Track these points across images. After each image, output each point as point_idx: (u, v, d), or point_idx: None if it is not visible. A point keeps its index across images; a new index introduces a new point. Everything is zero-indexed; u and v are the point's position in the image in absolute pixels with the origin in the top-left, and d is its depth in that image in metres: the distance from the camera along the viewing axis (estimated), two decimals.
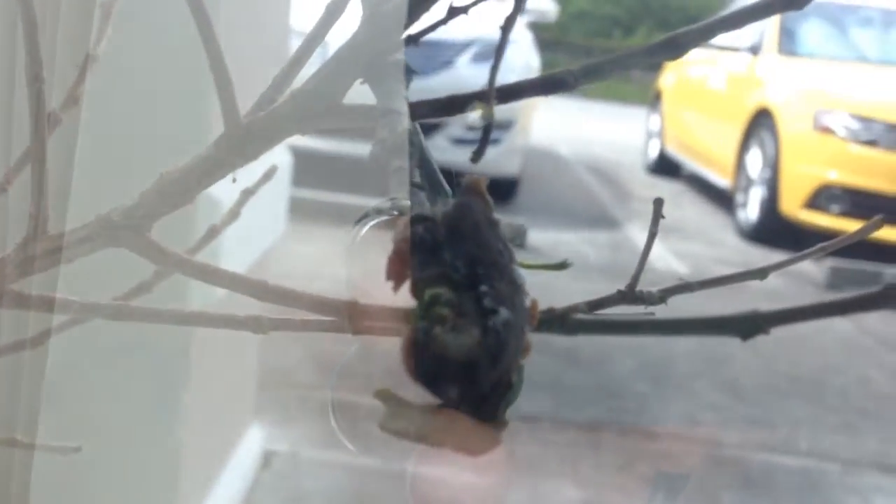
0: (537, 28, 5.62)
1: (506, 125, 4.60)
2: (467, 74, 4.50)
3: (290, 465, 2.03)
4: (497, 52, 0.32)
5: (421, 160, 0.33)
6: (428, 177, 0.34)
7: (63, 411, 0.66)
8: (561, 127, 7.64)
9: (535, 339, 0.30)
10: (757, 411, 2.82)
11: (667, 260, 3.99)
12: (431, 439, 0.27)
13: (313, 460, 2.06)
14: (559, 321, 0.31)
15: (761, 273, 0.63)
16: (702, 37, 0.36)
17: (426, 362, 0.27)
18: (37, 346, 0.49)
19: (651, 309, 0.57)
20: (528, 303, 0.28)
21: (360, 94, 0.35)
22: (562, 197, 5.64)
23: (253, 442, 1.87)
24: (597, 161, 6.98)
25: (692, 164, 6.21)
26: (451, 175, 0.33)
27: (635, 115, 8.24)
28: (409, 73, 0.34)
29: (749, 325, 0.32)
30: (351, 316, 0.32)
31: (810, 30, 5.78)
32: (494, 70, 0.32)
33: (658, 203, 0.60)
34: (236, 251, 1.23)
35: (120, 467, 1.24)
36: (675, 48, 0.36)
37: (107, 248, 0.41)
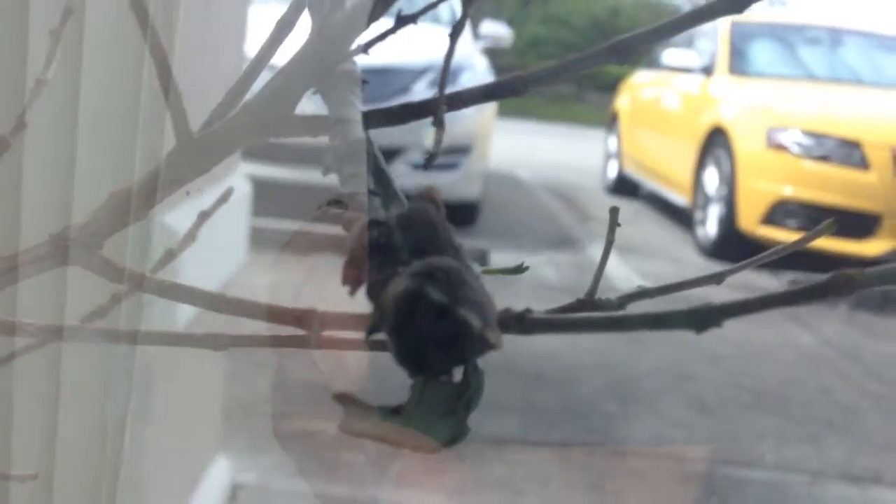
0: (493, 54, 5.65)
1: (464, 150, 4.61)
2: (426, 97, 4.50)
3: (258, 498, 2.00)
4: (445, 58, 0.32)
5: (375, 168, 0.33)
6: (382, 185, 0.34)
7: (17, 442, 0.65)
8: (519, 150, 7.68)
9: (501, 360, 0.31)
10: (723, 426, 2.83)
11: (630, 279, 4.01)
12: (390, 439, 0.27)
13: (282, 492, 2.03)
14: (516, 321, 0.31)
15: (718, 277, 0.63)
16: (645, 41, 0.37)
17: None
18: None
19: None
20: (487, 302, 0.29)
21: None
22: (522, 220, 5.66)
23: (219, 474, 1.85)
24: (556, 183, 7.02)
25: (650, 183, 6.27)
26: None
27: (593, 137, 8.31)
28: (362, 82, 0.35)
29: (702, 319, 0.32)
30: (311, 324, 0.32)
31: (760, 50, 5.87)
32: (444, 75, 0.32)
33: (613, 212, 0.61)
34: (196, 281, 1.22)
35: (80, 502, 1.21)
36: (620, 52, 0.37)
37: (60, 266, 0.41)
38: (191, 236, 0.65)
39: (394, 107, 0.35)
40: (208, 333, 0.48)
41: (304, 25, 0.37)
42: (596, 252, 4.84)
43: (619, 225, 0.60)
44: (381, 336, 0.30)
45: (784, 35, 5.94)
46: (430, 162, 0.33)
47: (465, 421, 0.29)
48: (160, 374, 1.28)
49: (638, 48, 0.36)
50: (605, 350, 3.20)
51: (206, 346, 0.48)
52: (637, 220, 5.72)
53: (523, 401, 2.69)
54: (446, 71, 0.32)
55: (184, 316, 1.23)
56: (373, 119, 0.35)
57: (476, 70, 4.83)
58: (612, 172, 7.07)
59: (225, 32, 1.62)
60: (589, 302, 0.57)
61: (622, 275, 4.03)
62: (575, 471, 2.38)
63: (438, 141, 0.33)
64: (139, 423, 1.25)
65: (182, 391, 1.47)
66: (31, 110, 0.55)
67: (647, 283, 0.61)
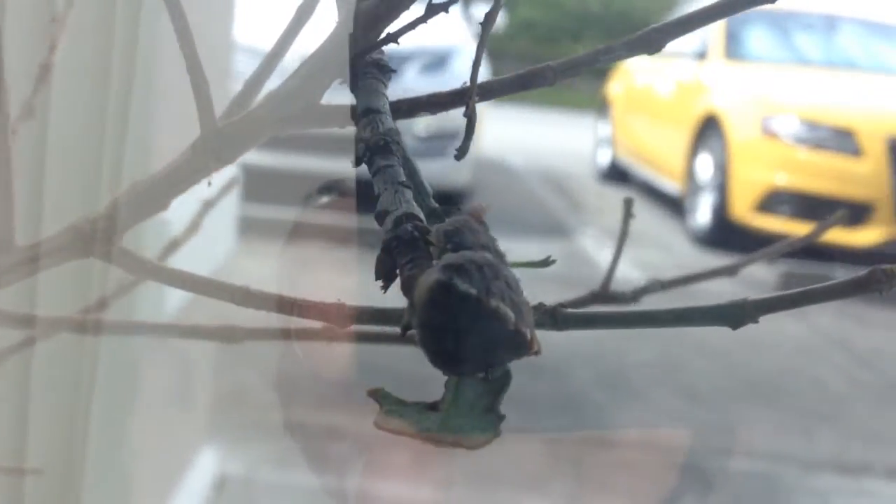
0: None
1: (454, 137, 4.59)
2: (415, 85, 4.48)
3: (244, 489, 1.99)
4: (478, 49, 0.32)
5: (404, 159, 0.32)
6: (410, 177, 0.33)
7: (5, 434, 0.64)
8: (510, 137, 7.67)
9: None
10: (714, 416, 2.84)
11: (622, 267, 4.00)
12: (429, 437, 0.27)
13: (269, 483, 2.02)
14: (549, 316, 0.31)
15: (732, 270, 0.63)
16: (678, 31, 0.36)
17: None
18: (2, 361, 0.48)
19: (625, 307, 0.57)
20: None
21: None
22: (513, 207, 5.65)
23: (206, 465, 1.84)
24: (547, 170, 7.01)
25: (643, 171, 6.26)
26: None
27: (583, 123, 8.30)
28: (388, 71, 0.34)
29: (738, 315, 0.31)
30: (340, 318, 0.32)
31: (755, 35, 5.87)
32: (476, 66, 0.31)
33: (628, 203, 0.60)
34: (186, 269, 1.20)
35: (66, 492, 1.21)
36: (652, 42, 0.36)
37: (77, 259, 0.40)
38: (195, 225, 0.64)
39: (422, 97, 0.35)
40: (223, 326, 0.47)
41: (328, 13, 0.36)
42: (586, 240, 4.84)
43: (633, 216, 0.60)
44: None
45: (780, 20, 5.94)
46: (461, 155, 0.32)
47: (501, 417, 0.28)
48: (146, 365, 1.27)
49: (671, 37, 0.35)
50: (595, 338, 3.20)
51: (220, 339, 0.47)
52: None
53: (514, 391, 2.68)
54: (478, 60, 0.31)
55: (171, 306, 1.22)
56: (400, 109, 0.34)
57: (467, 55, 4.80)
58: (604, 159, 7.06)
59: (212, 16, 1.61)
60: (603, 294, 0.57)
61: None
62: (567, 461, 2.38)
63: (470, 132, 0.32)
64: (126, 413, 1.24)
65: (168, 382, 1.46)
66: (39, 97, 0.54)
67: (639, 272, 0.61)
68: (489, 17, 0.31)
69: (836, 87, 5.35)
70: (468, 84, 0.32)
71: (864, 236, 4.38)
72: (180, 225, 0.57)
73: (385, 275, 0.30)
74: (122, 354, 1.20)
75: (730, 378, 3.12)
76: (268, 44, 0.40)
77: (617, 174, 6.76)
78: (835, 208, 4.40)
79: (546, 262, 0.36)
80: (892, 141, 4.63)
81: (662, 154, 5.78)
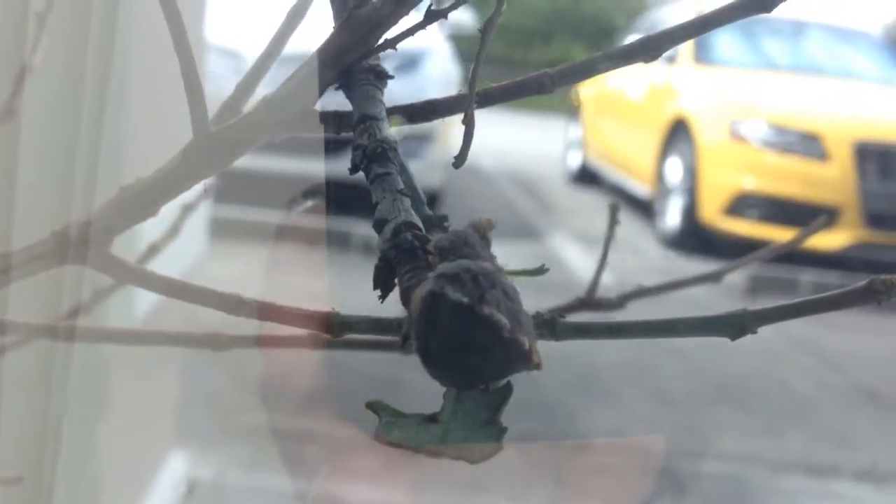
0: (456, 40, 5.63)
1: (426, 138, 4.59)
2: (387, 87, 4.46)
3: (215, 493, 1.98)
4: (477, 56, 0.31)
5: (401, 167, 0.32)
6: (408, 185, 0.33)
7: None
8: (481, 139, 7.65)
9: None
10: (685, 419, 2.85)
11: (593, 270, 4.01)
12: (430, 449, 0.27)
13: (240, 487, 2.01)
14: (547, 326, 0.31)
15: (716, 276, 0.63)
16: (675, 39, 0.36)
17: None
18: None
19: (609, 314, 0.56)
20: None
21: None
22: (484, 210, 5.63)
23: (175, 469, 1.82)
24: (518, 172, 7.02)
25: (613, 173, 6.29)
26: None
27: (554, 126, 8.32)
28: (385, 77, 0.34)
29: (738, 326, 0.31)
30: (333, 327, 0.31)
31: (724, 39, 5.91)
32: (475, 74, 0.31)
33: (613, 208, 0.60)
34: (158, 271, 1.19)
35: (37, 499, 1.19)
36: (649, 50, 0.36)
37: (62, 265, 0.39)
38: (175, 229, 0.63)
39: (418, 104, 0.34)
40: (208, 334, 0.46)
41: (323, 17, 0.36)
42: (557, 243, 4.85)
43: (618, 222, 0.59)
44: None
45: (748, 25, 5.98)
46: (459, 163, 0.32)
47: (503, 430, 0.28)
48: (115, 369, 1.25)
49: (668, 45, 0.35)
50: (567, 342, 3.20)
51: (205, 346, 0.47)
52: (599, 211, 5.73)
53: None
54: (477, 67, 0.31)
55: (140, 310, 1.21)
56: (397, 116, 0.34)
57: (439, 57, 4.80)
58: (574, 162, 7.08)
59: (183, 17, 1.59)
60: (589, 301, 0.57)
61: (585, 266, 4.04)
62: (538, 465, 2.38)
63: (468, 138, 0.31)
64: (94, 418, 1.23)
65: (137, 386, 1.44)
66: (19, 98, 0.53)
67: (609, 275, 0.61)
68: (489, 24, 0.31)
69: (804, 91, 5.41)
70: (466, 91, 0.32)
71: (831, 240, 4.42)
72: (149, 228, 0.56)
73: (383, 284, 0.30)
74: (92, 359, 1.19)
75: (699, 381, 3.13)
76: (239, 45, 0.39)
77: (587, 177, 6.79)
78: (802, 212, 4.45)
79: (540, 271, 0.36)
80: (858, 145, 4.68)
81: (632, 157, 5.81)
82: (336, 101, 0.34)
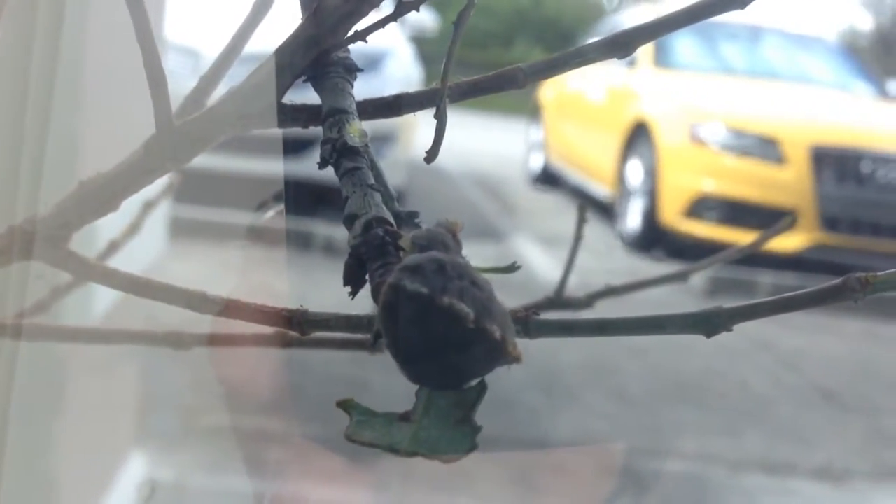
0: (418, 41, 5.63)
1: (388, 139, 4.58)
2: None
3: (176, 495, 1.96)
4: (449, 49, 0.31)
5: (371, 162, 0.31)
6: (378, 180, 0.32)
7: None
8: (444, 139, 7.66)
9: None
10: (645, 418, 2.87)
11: (555, 271, 4.04)
12: (402, 448, 0.26)
13: (201, 488, 1.98)
14: (521, 324, 0.30)
15: (682, 276, 0.63)
16: (647, 36, 0.36)
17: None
18: None
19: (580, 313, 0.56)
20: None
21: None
22: (446, 211, 5.63)
23: (135, 470, 1.79)
24: (480, 174, 7.03)
25: (574, 175, 6.32)
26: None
27: (516, 128, 8.34)
28: (355, 70, 0.33)
29: (711, 323, 0.31)
30: (301, 325, 0.31)
31: (683, 44, 5.96)
32: (447, 68, 0.31)
33: (581, 209, 0.60)
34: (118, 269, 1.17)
35: None
36: (622, 46, 0.36)
37: (18, 261, 0.38)
38: (135, 226, 0.62)
39: (388, 97, 0.34)
40: (171, 332, 0.46)
41: (290, 9, 0.35)
42: (519, 244, 4.85)
43: (586, 221, 0.59)
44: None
45: (706, 30, 6.04)
46: (431, 158, 0.31)
47: (477, 429, 0.27)
48: (74, 368, 1.23)
49: (640, 42, 0.35)
50: (528, 342, 3.20)
51: (166, 344, 0.46)
52: (561, 213, 5.76)
53: None
54: (450, 61, 0.30)
55: (99, 308, 1.19)
56: (366, 110, 0.33)
57: (400, 58, 4.79)
58: (536, 164, 7.10)
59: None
60: (558, 300, 0.57)
61: (547, 267, 4.05)
62: (500, 465, 2.38)
63: (440, 133, 0.31)
64: (49, 418, 1.20)
65: (96, 385, 1.42)
66: None
67: (572, 276, 0.61)
68: (461, 18, 0.30)
69: (762, 96, 5.46)
70: (439, 85, 0.31)
71: (789, 242, 4.47)
72: (106, 225, 0.55)
73: (353, 280, 0.29)
74: (48, 358, 1.17)
75: (657, 380, 3.15)
76: (198, 43, 0.39)
77: (549, 178, 6.81)
78: (760, 215, 4.49)
79: (512, 268, 0.35)
80: (815, 149, 4.74)
81: (593, 159, 5.84)
82: (304, 95, 0.33)
